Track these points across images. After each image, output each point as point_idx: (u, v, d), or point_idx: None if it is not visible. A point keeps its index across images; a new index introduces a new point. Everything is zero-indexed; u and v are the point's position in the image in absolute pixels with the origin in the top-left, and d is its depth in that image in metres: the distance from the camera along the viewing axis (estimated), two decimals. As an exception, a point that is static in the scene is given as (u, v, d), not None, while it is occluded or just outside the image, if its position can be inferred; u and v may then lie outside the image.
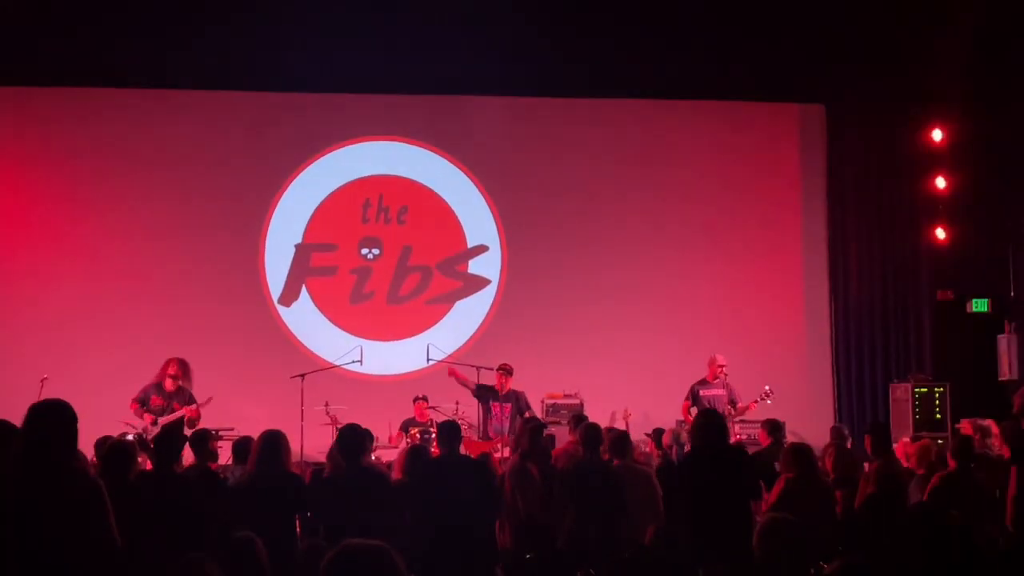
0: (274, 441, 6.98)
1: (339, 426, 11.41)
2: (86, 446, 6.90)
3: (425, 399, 12.47)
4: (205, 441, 7.81)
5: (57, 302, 13.45)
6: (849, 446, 9.94)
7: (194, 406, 10.83)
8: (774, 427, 10.07)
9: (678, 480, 7.36)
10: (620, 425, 11.74)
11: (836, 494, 8.07)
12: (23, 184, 13.66)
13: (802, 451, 7.80)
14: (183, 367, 10.98)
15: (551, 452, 9.19)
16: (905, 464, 9.56)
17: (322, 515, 6.95)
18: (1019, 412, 8.03)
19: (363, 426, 8.34)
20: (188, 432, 8.82)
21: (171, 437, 7.28)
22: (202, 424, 10.49)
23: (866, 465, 9.16)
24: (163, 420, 10.61)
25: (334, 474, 7.37)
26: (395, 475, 8.15)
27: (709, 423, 7.18)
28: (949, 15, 13.55)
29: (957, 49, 13.54)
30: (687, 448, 11.17)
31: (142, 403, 10.86)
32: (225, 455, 10.13)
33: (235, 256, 13.95)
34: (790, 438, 12.13)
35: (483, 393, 12.12)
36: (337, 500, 6.92)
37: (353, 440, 7.22)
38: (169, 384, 10.92)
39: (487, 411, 12.03)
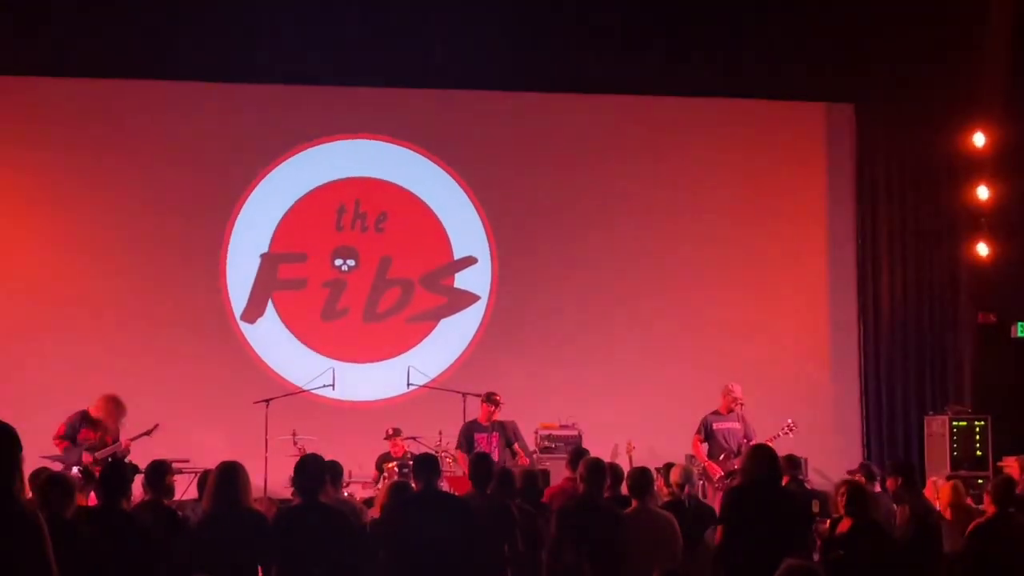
0: (230, 474, 6.94)
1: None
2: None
3: (397, 432, 12.42)
4: (162, 474, 7.79)
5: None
6: (877, 488, 9.97)
7: (138, 436, 10.93)
8: (792, 464, 10.10)
9: (719, 513, 7.41)
10: (623, 460, 11.80)
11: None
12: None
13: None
14: (110, 406, 10.98)
15: (542, 491, 9.27)
16: (936, 506, 9.61)
17: (271, 556, 6.94)
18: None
19: (332, 458, 8.40)
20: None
21: (120, 470, 7.30)
22: (153, 455, 10.52)
23: (896, 509, 9.21)
24: (99, 454, 10.69)
25: (287, 511, 7.36)
26: (375, 511, 8.20)
27: (762, 458, 7.24)
28: (992, 6, 13.66)
29: (1001, 44, 13.65)
30: (699, 487, 11.28)
31: (71, 439, 10.83)
32: (180, 489, 10.18)
33: (193, 267, 13.93)
34: (813, 476, 12.22)
35: (467, 433, 12.07)
36: (288, 539, 6.93)
37: (312, 471, 7.22)
38: (103, 418, 10.96)
39: (471, 444, 11.96)
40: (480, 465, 8.08)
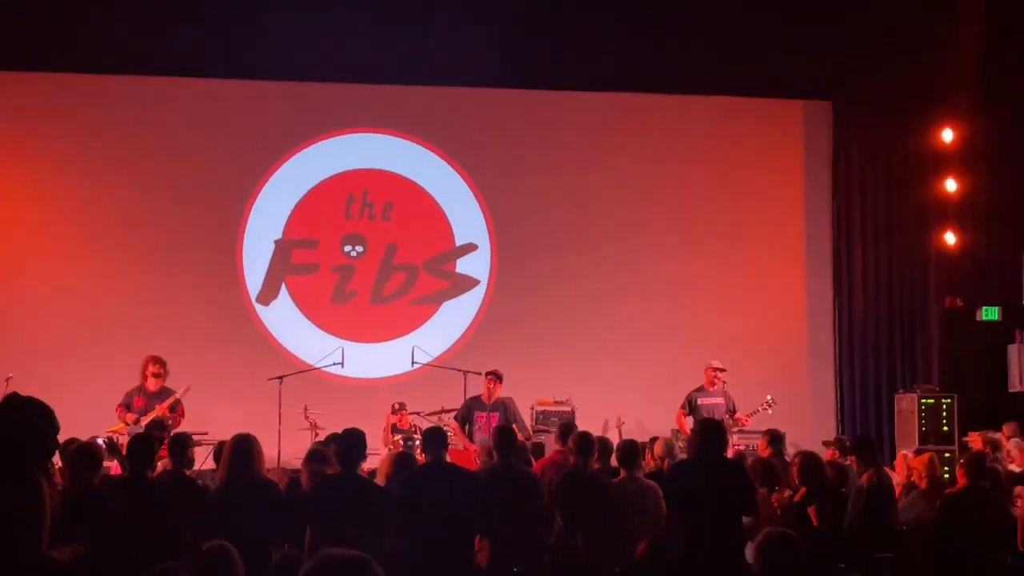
0: (245, 446, 6.97)
1: (318, 430, 11.54)
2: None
3: (403, 407, 12.39)
4: (184, 446, 7.80)
5: (24, 298, 13.55)
6: (851, 461, 9.93)
7: (169, 402, 10.99)
8: (775, 437, 10.07)
9: (666, 489, 7.41)
10: (613, 434, 11.78)
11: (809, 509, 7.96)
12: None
13: None
14: (163, 364, 11.17)
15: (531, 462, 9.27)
16: (906, 477, 9.58)
17: (315, 519, 6.96)
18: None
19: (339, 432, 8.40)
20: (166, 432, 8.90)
21: (145, 441, 7.28)
22: (175, 428, 10.58)
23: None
24: (145, 420, 10.85)
25: (329, 478, 7.37)
26: (379, 481, 8.17)
27: (708, 432, 7.23)
28: (961, 9, 13.62)
29: (970, 45, 13.62)
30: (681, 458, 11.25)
31: (126, 407, 11.09)
32: (199, 460, 10.18)
33: (212, 252, 14.00)
34: (790, 450, 12.20)
35: (468, 410, 11.95)
36: (327, 504, 6.96)
37: (355, 445, 7.27)
38: (151, 384, 11.11)
39: (471, 422, 11.85)
40: (504, 436, 8.07)
